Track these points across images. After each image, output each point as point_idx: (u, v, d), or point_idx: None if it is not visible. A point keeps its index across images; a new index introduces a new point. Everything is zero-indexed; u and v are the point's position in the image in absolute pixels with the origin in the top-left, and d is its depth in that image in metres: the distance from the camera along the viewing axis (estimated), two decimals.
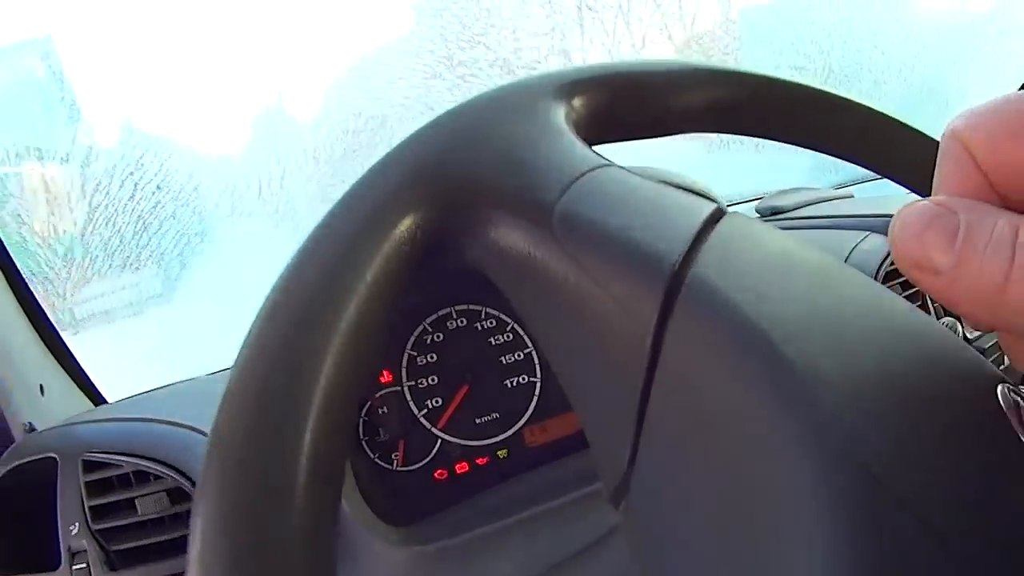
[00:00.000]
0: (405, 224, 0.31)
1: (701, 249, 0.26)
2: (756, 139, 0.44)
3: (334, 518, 0.28)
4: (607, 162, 0.32)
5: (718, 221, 0.28)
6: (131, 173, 1.46)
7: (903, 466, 0.19)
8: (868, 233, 1.02)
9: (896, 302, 0.25)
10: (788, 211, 1.24)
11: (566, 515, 0.61)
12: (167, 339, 1.63)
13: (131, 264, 1.51)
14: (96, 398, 1.11)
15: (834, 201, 1.28)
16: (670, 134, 0.42)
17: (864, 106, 0.44)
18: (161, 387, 1.00)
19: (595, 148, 0.35)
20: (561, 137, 0.33)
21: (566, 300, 0.29)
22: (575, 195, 0.30)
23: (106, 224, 1.45)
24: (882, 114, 0.44)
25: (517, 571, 0.59)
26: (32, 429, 0.95)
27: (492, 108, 0.35)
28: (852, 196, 1.34)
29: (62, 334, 1.09)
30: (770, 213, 1.25)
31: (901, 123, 0.45)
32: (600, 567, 0.60)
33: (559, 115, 0.35)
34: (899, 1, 2.16)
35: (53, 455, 0.75)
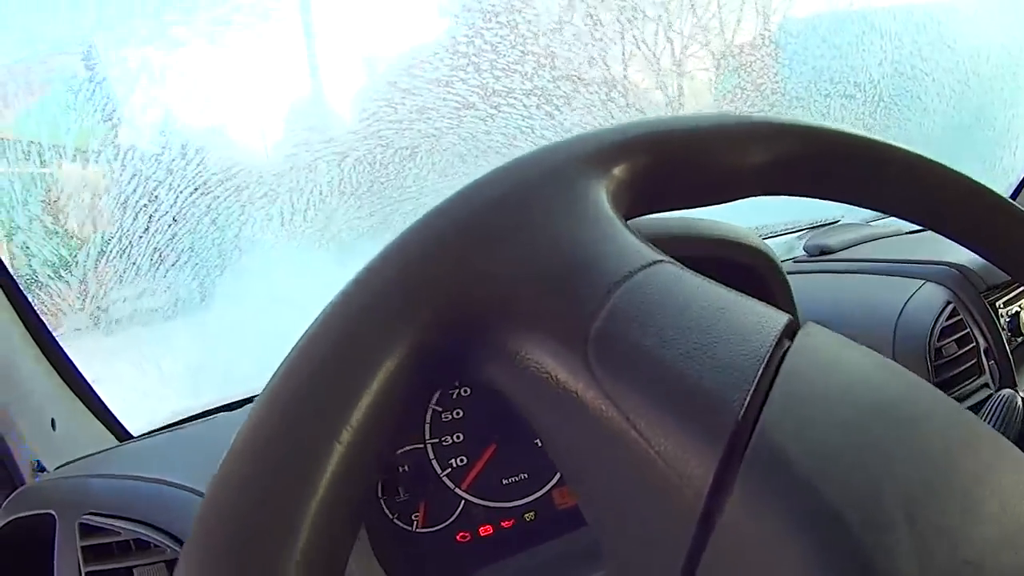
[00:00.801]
0: (397, 355, 0.25)
1: (771, 389, 0.21)
2: None
3: None
4: (657, 256, 0.26)
5: (792, 339, 0.23)
6: (168, 174, 1.44)
7: None
8: (923, 282, 0.97)
9: (991, 455, 0.20)
10: (837, 251, 1.19)
11: None
12: (199, 346, 1.62)
13: (168, 265, 1.49)
14: (114, 427, 1.06)
15: (884, 240, 1.23)
16: (730, 199, 0.36)
17: (954, 172, 0.39)
18: (180, 422, 0.96)
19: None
20: (600, 225, 0.28)
21: (601, 446, 0.23)
22: (617, 310, 0.24)
23: (142, 225, 1.44)
24: (970, 180, 0.39)
25: None
26: (42, 468, 0.91)
27: (511, 188, 0.28)
28: (901, 231, 1.29)
29: (87, 347, 1.05)
30: (818, 252, 1.21)
31: (989, 191, 0.40)
32: None
33: (597, 192, 0.29)
34: (949, 28, 2.11)
35: (52, 512, 0.72)
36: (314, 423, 0.23)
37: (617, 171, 0.31)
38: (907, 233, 1.28)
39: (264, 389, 0.25)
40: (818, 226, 1.41)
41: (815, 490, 0.19)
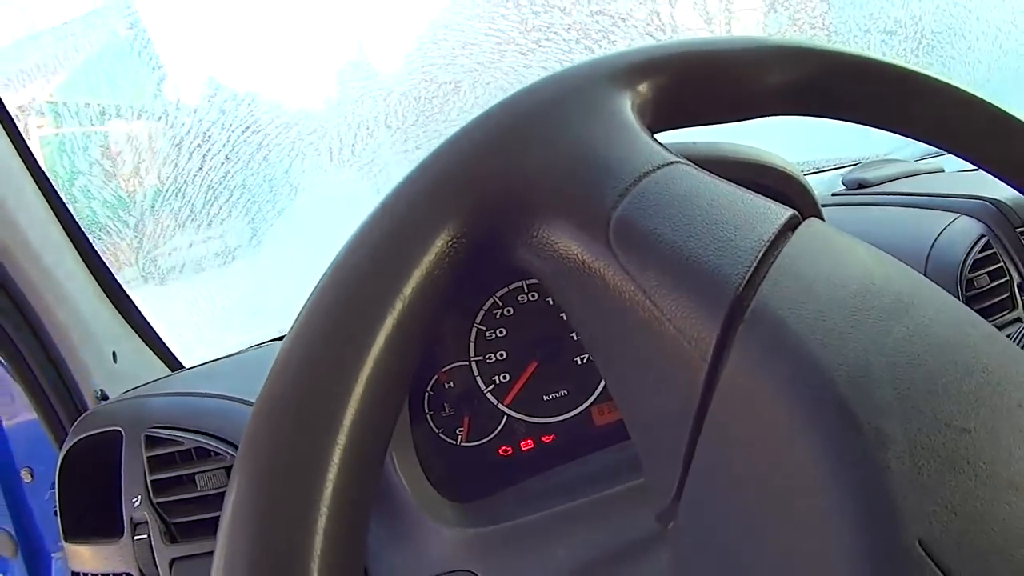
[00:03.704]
0: (444, 237, 0.28)
1: (770, 268, 0.24)
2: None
3: (365, 510, 0.26)
4: (674, 158, 0.29)
5: (793, 230, 0.26)
6: (217, 126, 1.46)
7: (974, 566, 0.18)
8: (958, 215, 0.97)
9: (985, 343, 0.22)
10: (875, 184, 1.19)
11: (632, 499, 0.59)
12: (252, 288, 1.65)
13: (219, 216, 1.52)
14: (171, 362, 1.12)
15: (923, 176, 1.22)
16: (749, 118, 0.38)
17: (970, 94, 0.40)
18: (235, 353, 1.00)
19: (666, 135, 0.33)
20: (623, 130, 0.30)
21: (621, 317, 0.26)
22: (636, 200, 0.27)
23: (193, 179, 1.47)
24: (988, 104, 0.40)
25: (572, 557, 0.58)
26: (104, 397, 0.97)
27: (543, 100, 0.31)
28: (942, 170, 1.28)
29: (146, 288, 1.09)
30: (856, 186, 1.20)
31: (1008, 114, 0.41)
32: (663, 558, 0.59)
33: (621, 104, 0.32)
34: None
35: (119, 429, 0.76)
36: (369, 293, 0.27)
37: (641, 87, 0.33)
38: (958, 171, 1.26)
39: (322, 275, 0.28)
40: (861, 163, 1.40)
41: (806, 352, 0.21)
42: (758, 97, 0.37)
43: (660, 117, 0.34)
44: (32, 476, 1.08)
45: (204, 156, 1.42)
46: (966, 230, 0.94)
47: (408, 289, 0.27)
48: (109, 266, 1.07)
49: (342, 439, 0.24)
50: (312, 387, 0.25)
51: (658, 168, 0.28)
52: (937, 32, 1.91)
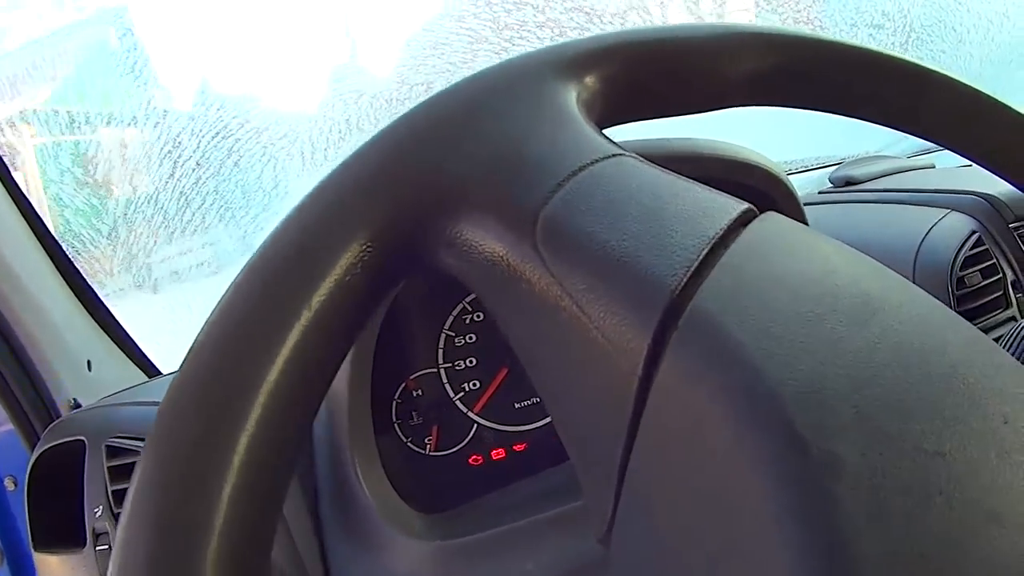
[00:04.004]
0: (357, 242, 0.25)
1: (712, 270, 0.21)
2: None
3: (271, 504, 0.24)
4: (618, 151, 0.26)
5: (745, 227, 0.23)
6: (209, 134, 1.45)
7: None
8: (949, 211, 0.95)
9: (965, 350, 0.19)
10: (863, 181, 1.16)
11: None
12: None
13: (195, 208, 1.50)
14: (148, 369, 1.11)
15: (913, 172, 1.20)
16: (713, 109, 0.36)
17: (952, 78, 0.37)
18: None
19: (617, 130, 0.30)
20: (564, 123, 0.27)
21: (548, 324, 0.24)
22: (568, 196, 0.24)
23: (183, 186, 1.45)
24: (981, 93, 0.38)
25: (543, 571, 0.55)
26: (77, 405, 0.96)
27: (480, 91, 0.28)
28: (933, 166, 1.25)
29: (135, 296, 1.08)
30: (843, 184, 1.18)
31: (999, 103, 0.38)
32: None
33: (566, 96, 0.29)
34: None
35: (82, 438, 0.76)
36: (278, 301, 0.24)
37: (589, 79, 0.30)
38: (951, 167, 1.24)
39: (231, 283, 0.26)
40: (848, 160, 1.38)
41: (747, 363, 0.18)
42: (724, 87, 0.34)
43: (612, 110, 0.31)
44: (16, 485, 1.07)
45: (175, 162, 1.41)
46: (956, 226, 0.92)
47: (317, 298, 0.24)
48: (83, 274, 1.06)
49: (240, 450, 0.23)
50: (211, 399, 0.23)
51: (597, 161, 0.25)
52: (927, 25, 1.89)
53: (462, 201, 0.26)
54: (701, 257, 0.21)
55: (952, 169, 1.17)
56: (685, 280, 0.21)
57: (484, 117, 0.27)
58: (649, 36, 0.32)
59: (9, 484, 1.06)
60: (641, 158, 0.26)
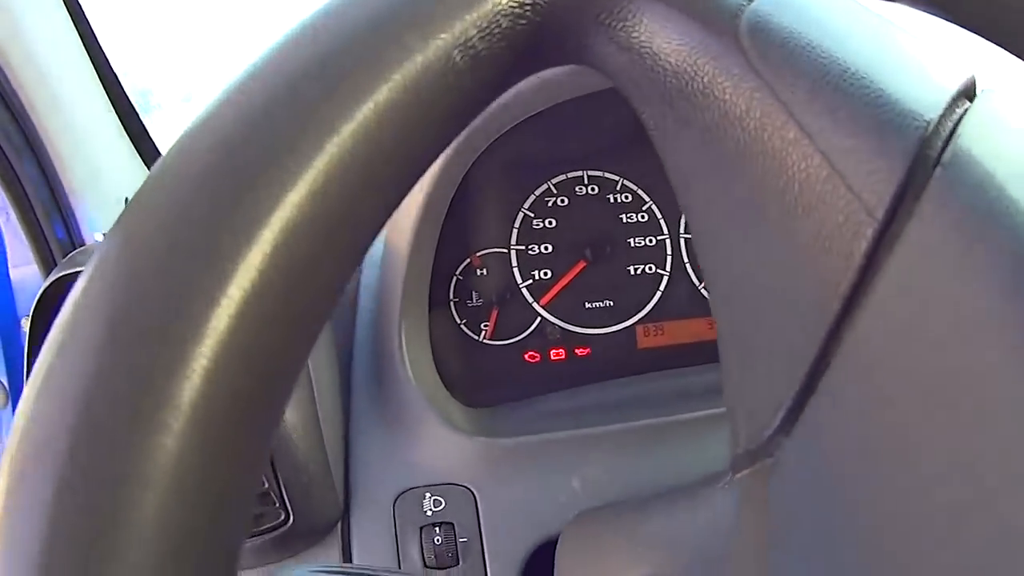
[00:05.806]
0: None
1: (975, 102, 0.16)
2: None
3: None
4: None
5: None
6: None
7: None
8: None
9: None
10: None
11: (675, 435, 0.51)
12: None
13: None
14: None
15: None
16: None
17: None
18: None
19: None
20: None
21: (742, 141, 0.18)
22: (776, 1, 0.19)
23: None
24: None
25: (587, 492, 0.50)
26: None
27: None
28: None
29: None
30: None
31: None
32: (696, 518, 0.50)
33: None
34: None
35: None
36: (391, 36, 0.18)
37: None
38: None
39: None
40: None
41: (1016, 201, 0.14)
42: None
43: None
44: None
45: None
46: None
47: (436, 41, 0.18)
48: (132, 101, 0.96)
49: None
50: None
51: None
52: None
53: None
54: (963, 86, 0.16)
55: None
56: (942, 110, 0.16)
57: None
58: None
59: (25, 325, 1.01)
60: None
